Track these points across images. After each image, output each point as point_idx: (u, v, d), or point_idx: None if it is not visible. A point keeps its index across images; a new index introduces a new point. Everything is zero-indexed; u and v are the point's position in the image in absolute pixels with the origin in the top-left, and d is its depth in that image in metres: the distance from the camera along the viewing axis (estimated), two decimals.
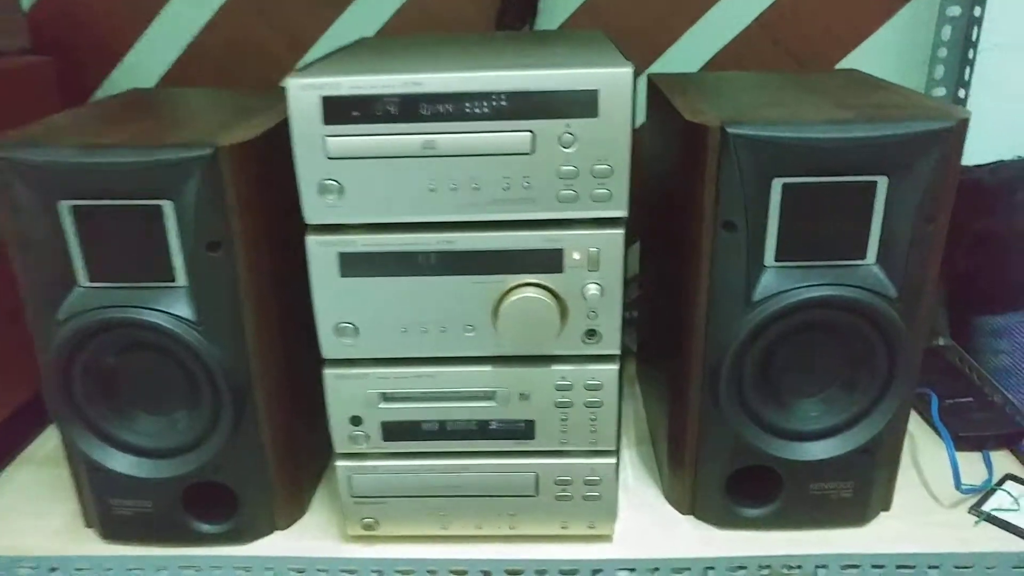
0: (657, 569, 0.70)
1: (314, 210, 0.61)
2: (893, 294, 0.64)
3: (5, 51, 0.89)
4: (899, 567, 0.69)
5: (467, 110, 0.58)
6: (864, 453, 0.69)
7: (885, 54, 0.98)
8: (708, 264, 0.64)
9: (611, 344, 0.64)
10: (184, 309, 0.64)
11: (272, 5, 0.98)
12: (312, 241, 0.62)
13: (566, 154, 0.59)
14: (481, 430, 0.68)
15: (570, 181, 0.59)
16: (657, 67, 0.99)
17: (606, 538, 0.72)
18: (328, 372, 0.66)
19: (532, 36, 0.83)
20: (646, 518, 0.74)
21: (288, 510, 0.74)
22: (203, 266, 0.63)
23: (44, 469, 0.82)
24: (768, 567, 0.70)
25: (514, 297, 0.62)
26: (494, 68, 0.58)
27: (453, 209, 0.61)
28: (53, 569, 0.71)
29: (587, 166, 0.59)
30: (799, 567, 0.70)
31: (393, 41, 0.81)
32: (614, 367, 0.65)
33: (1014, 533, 0.71)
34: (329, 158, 0.59)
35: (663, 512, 0.75)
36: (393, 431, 0.68)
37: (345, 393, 0.66)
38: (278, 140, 0.61)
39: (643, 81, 0.86)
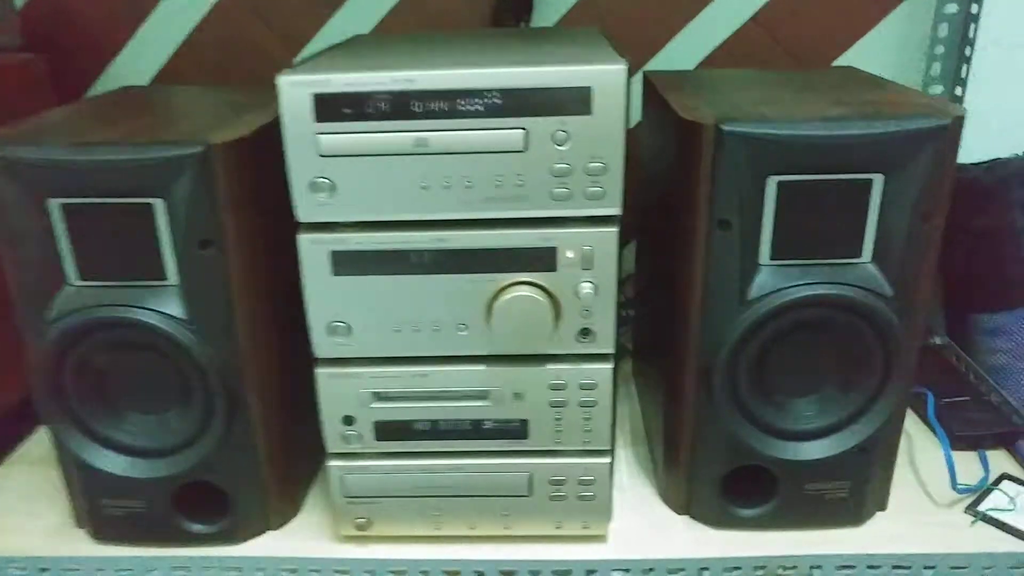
0: (652, 570, 0.70)
1: (306, 208, 0.60)
2: (889, 293, 0.64)
3: None
4: (895, 567, 0.69)
5: (459, 107, 0.57)
6: (860, 453, 0.69)
7: (882, 52, 0.98)
8: (703, 262, 0.64)
9: (605, 343, 0.64)
10: (175, 308, 0.64)
11: (267, 3, 0.97)
12: (304, 239, 0.61)
13: (559, 152, 0.58)
14: (474, 430, 0.67)
15: (563, 179, 0.59)
16: (653, 65, 0.99)
17: (600, 538, 0.72)
18: (320, 371, 0.65)
19: (527, 33, 0.82)
20: (641, 518, 0.74)
21: (281, 510, 0.74)
22: (195, 264, 0.63)
23: (36, 469, 0.81)
24: (763, 568, 0.69)
25: (507, 296, 0.62)
26: (486, 65, 0.57)
27: (446, 207, 0.60)
28: (43, 570, 0.71)
29: (580, 164, 0.59)
30: (794, 568, 0.69)
31: (388, 38, 0.80)
32: (608, 366, 0.65)
33: (1010, 533, 0.70)
34: (321, 156, 0.59)
35: (658, 512, 0.75)
36: (386, 431, 0.67)
37: (337, 392, 0.66)
38: (270, 138, 0.61)
39: (639, 79, 0.85)
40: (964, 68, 0.95)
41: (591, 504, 0.69)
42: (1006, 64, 0.97)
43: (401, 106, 0.57)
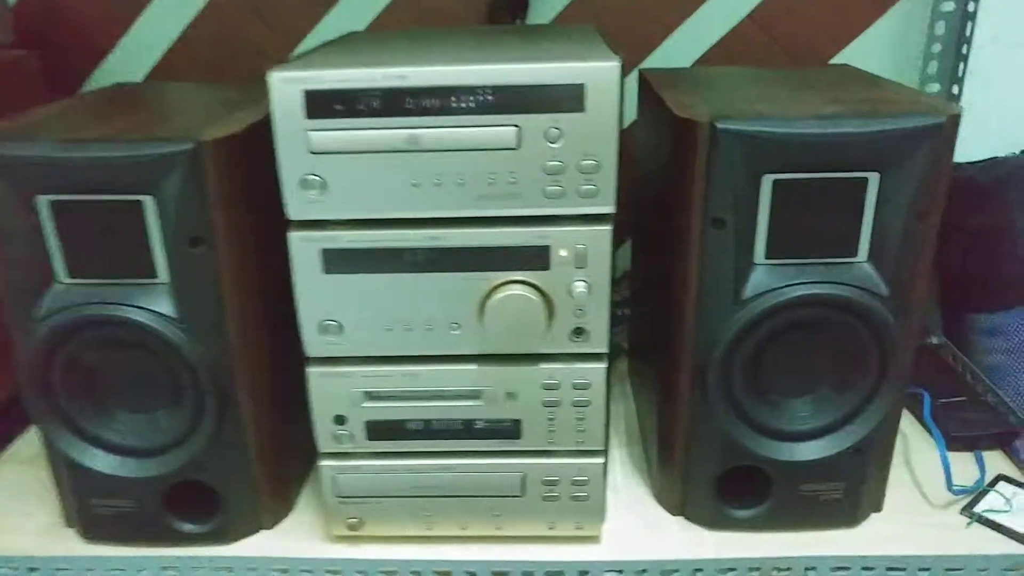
0: (645, 571, 0.69)
1: (297, 206, 0.60)
2: (885, 292, 0.63)
3: None
4: (889, 569, 0.69)
5: (452, 104, 0.57)
6: (855, 453, 0.68)
7: (879, 50, 0.97)
8: (697, 261, 0.64)
9: (599, 342, 0.64)
10: (166, 306, 0.63)
11: (262, 0, 0.97)
12: (295, 237, 0.61)
13: (552, 149, 0.58)
14: (467, 429, 0.67)
15: (556, 177, 0.59)
16: (649, 62, 0.99)
17: (594, 539, 0.71)
18: (312, 370, 0.65)
19: (522, 30, 0.82)
20: (635, 519, 0.74)
21: (272, 509, 0.73)
22: (185, 262, 0.62)
23: (27, 468, 0.81)
24: (758, 569, 0.69)
25: (500, 295, 0.61)
26: (479, 62, 0.57)
27: (438, 205, 0.60)
28: (33, 569, 0.70)
29: (574, 161, 0.58)
30: (789, 569, 0.69)
31: (382, 35, 0.80)
32: (602, 366, 0.64)
33: (1006, 535, 0.70)
34: (312, 153, 0.58)
35: (652, 513, 0.74)
36: (378, 430, 0.67)
37: (329, 392, 0.65)
38: (262, 135, 0.60)
39: (635, 77, 0.85)
40: (961, 66, 0.94)
41: (584, 505, 0.69)
42: (1003, 62, 0.96)
43: (393, 103, 0.57)
